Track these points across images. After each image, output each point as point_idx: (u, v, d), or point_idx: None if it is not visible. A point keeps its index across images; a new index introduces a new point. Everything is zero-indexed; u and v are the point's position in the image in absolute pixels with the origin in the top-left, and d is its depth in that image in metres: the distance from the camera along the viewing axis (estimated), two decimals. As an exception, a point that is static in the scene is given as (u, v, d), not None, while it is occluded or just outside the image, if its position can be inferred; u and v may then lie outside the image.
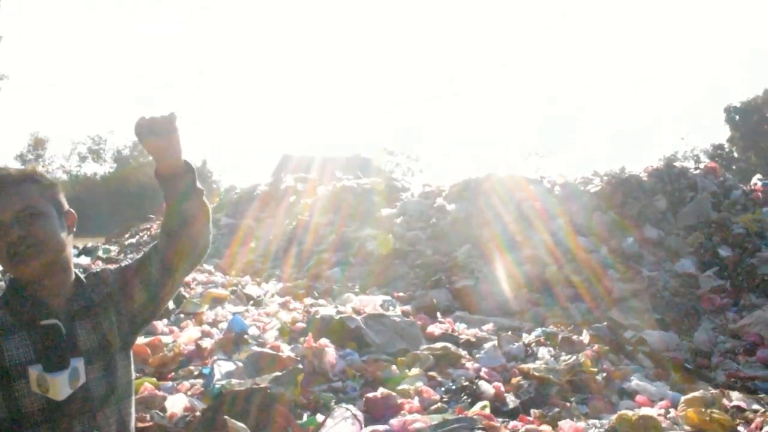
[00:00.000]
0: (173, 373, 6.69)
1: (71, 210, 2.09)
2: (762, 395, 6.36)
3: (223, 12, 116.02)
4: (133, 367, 2.16)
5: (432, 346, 7.70)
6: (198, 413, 5.17)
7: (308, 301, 10.24)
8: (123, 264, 2.18)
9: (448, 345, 7.68)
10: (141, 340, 7.15)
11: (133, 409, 2.14)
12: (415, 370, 6.93)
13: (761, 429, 4.78)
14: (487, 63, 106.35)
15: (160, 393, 5.72)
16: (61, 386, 1.85)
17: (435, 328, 8.66)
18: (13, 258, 1.91)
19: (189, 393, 5.89)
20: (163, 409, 5.40)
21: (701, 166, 17.31)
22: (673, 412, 5.72)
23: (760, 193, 14.99)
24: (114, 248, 18.43)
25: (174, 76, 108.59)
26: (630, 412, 5.48)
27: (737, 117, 38.89)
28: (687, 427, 5.35)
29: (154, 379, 6.29)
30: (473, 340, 8.34)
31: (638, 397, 6.50)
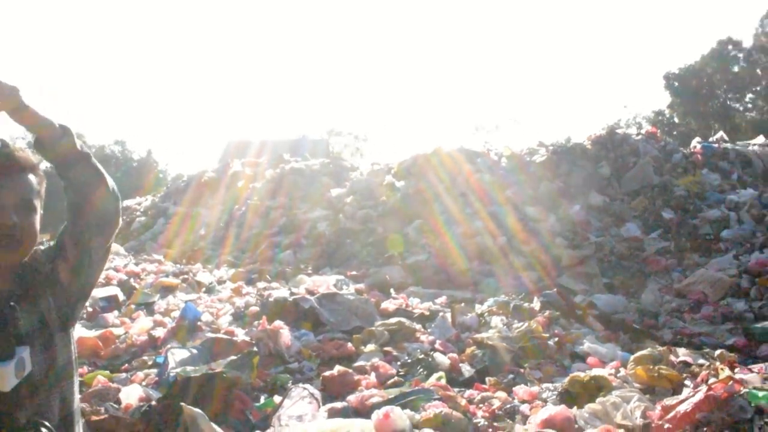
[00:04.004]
0: (127, 365, 6.62)
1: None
2: (707, 350, 6.55)
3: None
4: (74, 347, 2.08)
5: (386, 321, 7.74)
6: (153, 402, 5.11)
7: (261, 284, 10.19)
8: (51, 243, 2.11)
9: (403, 320, 7.73)
10: (92, 333, 7.06)
11: (76, 390, 2.07)
12: (370, 347, 6.98)
13: (706, 382, 4.93)
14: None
15: (114, 385, 5.64)
16: (7, 377, 1.77)
17: (389, 304, 8.72)
18: None
19: (144, 383, 5.84)
20: (118, 401, 5.32)
21: (643, 132, 17.74)
22: (623, 371, 5.88)
23: (699, 156, 15.41)
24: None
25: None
26: (582, 374, 5.61)
27: (676, 83, 39.60)
28: (637, 385, 5.50)
29: (107, 371, 6.21)
30: (427, 313, 8.43)
31: (590, 359, 6.64)
